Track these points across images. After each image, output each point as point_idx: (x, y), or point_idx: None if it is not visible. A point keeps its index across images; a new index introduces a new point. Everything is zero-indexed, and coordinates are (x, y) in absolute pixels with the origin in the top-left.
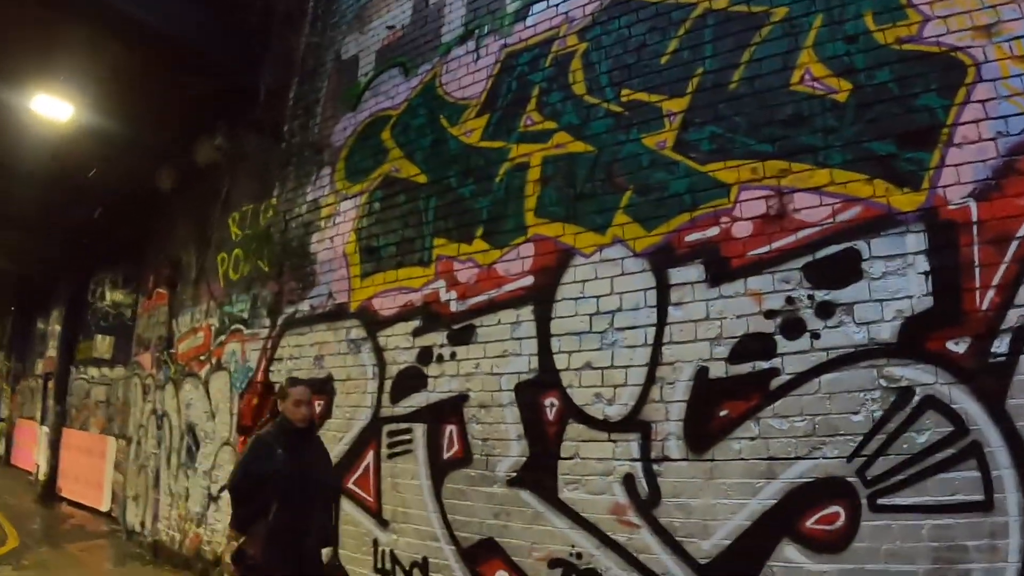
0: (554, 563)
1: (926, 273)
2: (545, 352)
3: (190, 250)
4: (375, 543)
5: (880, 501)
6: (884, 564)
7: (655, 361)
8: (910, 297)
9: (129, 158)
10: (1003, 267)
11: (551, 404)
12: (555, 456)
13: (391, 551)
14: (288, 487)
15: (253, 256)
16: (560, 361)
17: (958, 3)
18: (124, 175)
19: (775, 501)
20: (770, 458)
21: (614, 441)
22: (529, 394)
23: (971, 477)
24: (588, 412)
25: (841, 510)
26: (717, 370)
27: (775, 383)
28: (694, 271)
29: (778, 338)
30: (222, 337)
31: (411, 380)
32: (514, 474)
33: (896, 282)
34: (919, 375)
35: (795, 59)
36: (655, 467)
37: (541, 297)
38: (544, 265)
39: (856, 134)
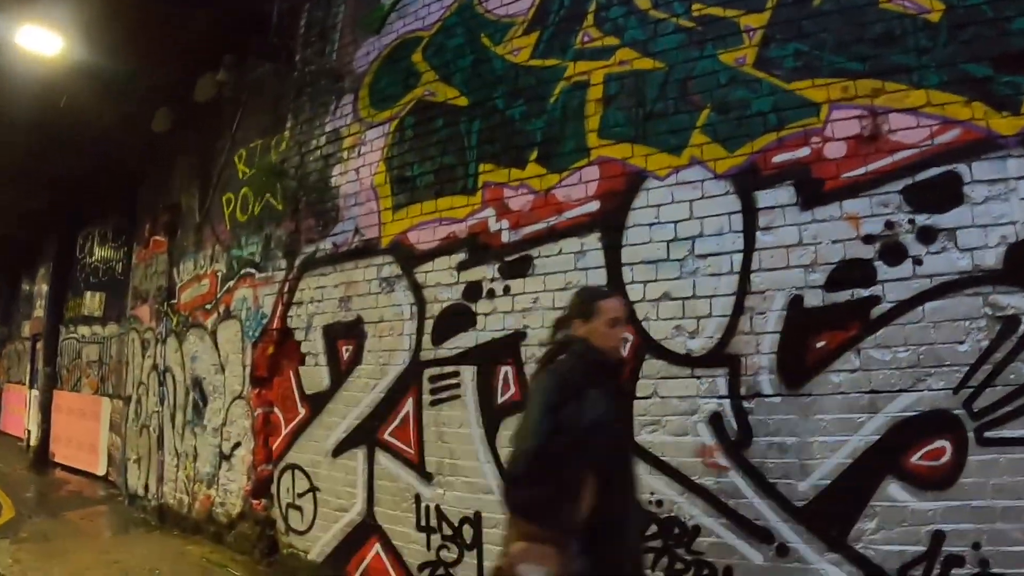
0: None
1: None
2: (616, 283)
3: (191, 193)
4: (417, 499)
5: (987, 434)
6: (991, 500)
7: (743, 290)
8: (1014, 223)
9: (123, 98)
10: None
11: (625, 339)
12: (631, 396)
13: (436, 506)
14: (612, 451)
15: (264, 194)
16: (634, 292)
17: None
18: (116, 118)
19: (878, 437)
20: (872, 391)
21: (698, 377)
22: None
23: None
24: (667, 346)
25: (948, 444)
26: (813, 299)
27: (876, 312)
28: (784, 193)
29: (878, 264)
30: (230, 283)
31: (456, 319)
32: None
33: (999, 207)
34: None
35: None
36: (745, 404)
37: (609, 223)
38: (611, 189)
39: (951, 55)
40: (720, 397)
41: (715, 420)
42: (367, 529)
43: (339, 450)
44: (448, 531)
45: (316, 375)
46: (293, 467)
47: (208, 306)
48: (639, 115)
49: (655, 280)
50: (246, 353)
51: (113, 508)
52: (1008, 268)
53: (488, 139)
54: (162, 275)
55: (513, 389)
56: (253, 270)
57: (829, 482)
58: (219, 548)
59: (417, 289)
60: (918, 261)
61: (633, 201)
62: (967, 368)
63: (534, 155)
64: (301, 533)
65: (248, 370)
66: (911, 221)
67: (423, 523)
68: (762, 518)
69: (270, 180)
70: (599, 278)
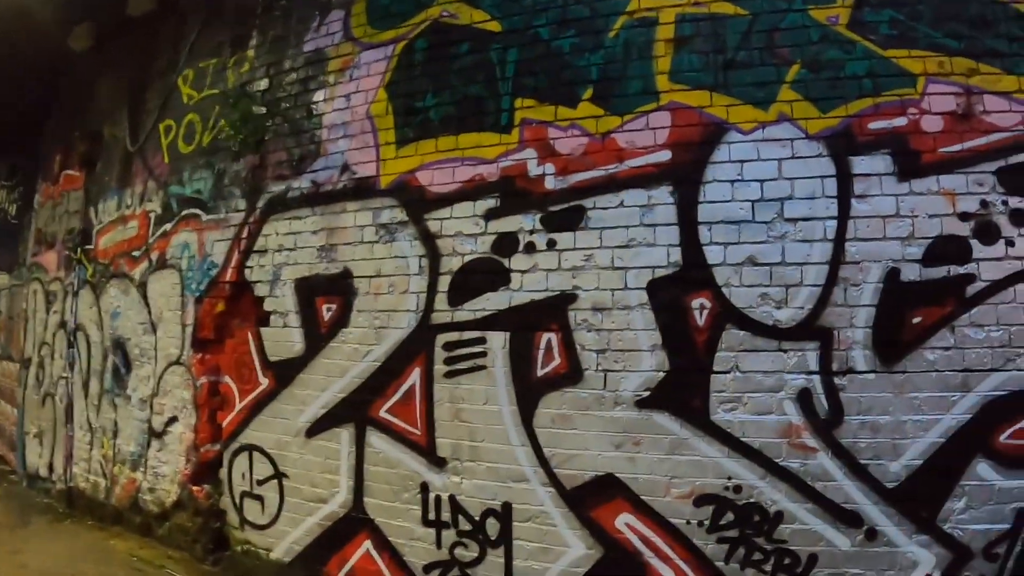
0: (701, 500)
1: None
2: (691, 243)
3: (117, 119)
4: (424, 488)
5: None
6: None
7: (837, 259)
8: None
9: (37, 9)
10: None
11: (700, 306)
12: (706, 370)
13: (450, 496)
14: None
15: (218, 121)
16: (712, 255)
17: None
18: (27, 34)
19: (969, 416)
20: (965, 370)
21: (785, 351)
22: (669, 294)
23: None
24: (751, 316)
25: None
26: (910, 272)
27: (971, 290)
28: (880, 162)
29: (973, 242)
30: (167, 226)
31: (483, 276)
32: (646, 393)
33: None
34: None
35: None
36: (837, 380)
37: (683, 176)
38: (685, 139)
39: None
40: (809, 373)
41: (803, 397)
42: (353, 523)
43: (316, 429)
44: (466, 526)
45: (284, 338)
46: (251, 448)
47: (136, 253)
48: (718, 62)
49: (737, 243)
50: (187, 310)
51: (8, 491)
52: None
53: (528, 71)
54: (75, 216)
55: (558, 360)
56: (199, 211)
57: (921, 462)
58: (149, 543)
59: (429, 239)
60: (1010, 242)
61: (712, 154)
62: None
63: (588, 93)
64: (261, 528)
65: (190, 330)
66: (1004, 202)
67: (431, 516)
68: (851, 501)
69: (228, 105)
70: (671, 236)
